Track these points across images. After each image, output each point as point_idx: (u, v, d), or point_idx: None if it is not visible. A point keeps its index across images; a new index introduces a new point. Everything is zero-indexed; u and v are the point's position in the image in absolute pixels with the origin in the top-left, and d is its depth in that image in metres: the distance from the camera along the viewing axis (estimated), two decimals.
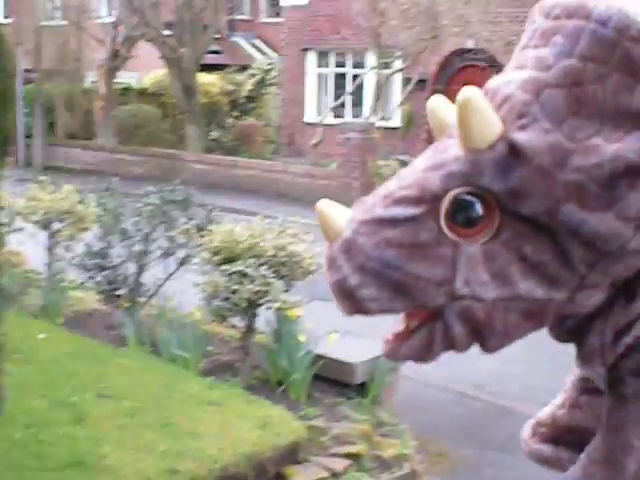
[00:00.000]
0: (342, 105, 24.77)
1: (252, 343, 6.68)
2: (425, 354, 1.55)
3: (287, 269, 6.43)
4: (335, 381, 6.63)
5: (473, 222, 1.45)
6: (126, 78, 28.04)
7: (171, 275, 7.40)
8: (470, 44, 21.04)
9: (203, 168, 21.80)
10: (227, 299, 6.31)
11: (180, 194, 7.43)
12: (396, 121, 23.36)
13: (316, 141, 21.24)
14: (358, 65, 23.18)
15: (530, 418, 6.82)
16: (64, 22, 25.99)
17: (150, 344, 7.00)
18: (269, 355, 6.55)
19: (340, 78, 25.06)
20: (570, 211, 1.44)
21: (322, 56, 25.80)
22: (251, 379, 6.57)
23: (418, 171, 1.51)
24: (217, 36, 31.04)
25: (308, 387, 6.41)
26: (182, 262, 7.21)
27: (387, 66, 21.49)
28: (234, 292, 6.23)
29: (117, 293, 7.32)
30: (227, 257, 6.38)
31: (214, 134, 25.78)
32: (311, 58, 25.89)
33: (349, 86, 23.24)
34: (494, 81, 1.53)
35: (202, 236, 6.71)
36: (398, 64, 21.49)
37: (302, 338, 6.37)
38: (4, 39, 5.71)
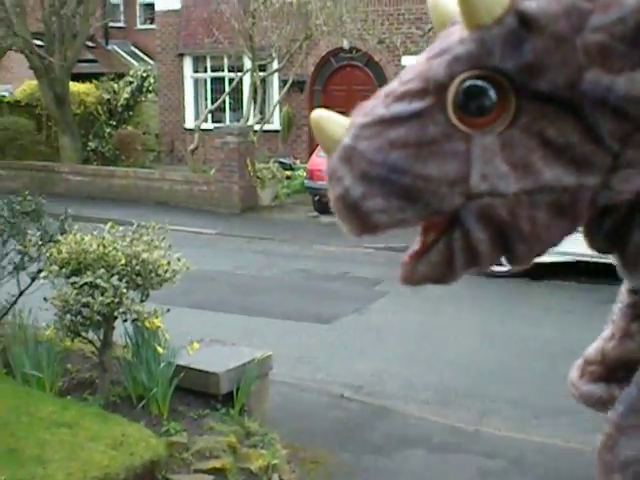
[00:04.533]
0: (222, 109, 24.44)
1: (110, 358, 6.32)
2: (445, 271, 1.37)
3: (142, 278, 6.09)
4: (200, 392, 6.32)
5: (486, 110, 1.29)
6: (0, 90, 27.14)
7: (24, 291, 6.97)
8: (345, 44, 20.99)
9: (80, 180, 21.18)
10: (79, 313, 5.95)
11: (30, 204, 7.01)
12: (276, 124, 23.16)
13: (193, 147, 20.85)
14: (236, 68, 22.84)
15: (409, 417, 6.59)
16: None
17: (4, 365, 6.58)
18: (128, 369, 6.20)
19: (218, 82, 24.70)
20: (595, 77, 1.27)
21: (198, 61, 25.40)
22: (111, 396, 6.21)
23: (421, 62, 1.34)
24: (92, 45, 30.40)
25: (170, 401, 6.08)
26: (34, 277, 6.77)
27: (263, 68, 21.24)
28: (85, 305, 5.87)
29: None
30: (76, 268, 6.01)
31: (92, 144, 25.14)
32: (187, 63, 25.47)
33: (227, 90, 22.86)
34: None
35: (42, 247, 6.32)
36: (275, 66, 21.29)
37: (160, 350, 6.04)
38: None
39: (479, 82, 1.28)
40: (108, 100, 26.33)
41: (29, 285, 6.88)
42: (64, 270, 6.06)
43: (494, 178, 1.29)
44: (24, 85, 25.48)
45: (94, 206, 19.78)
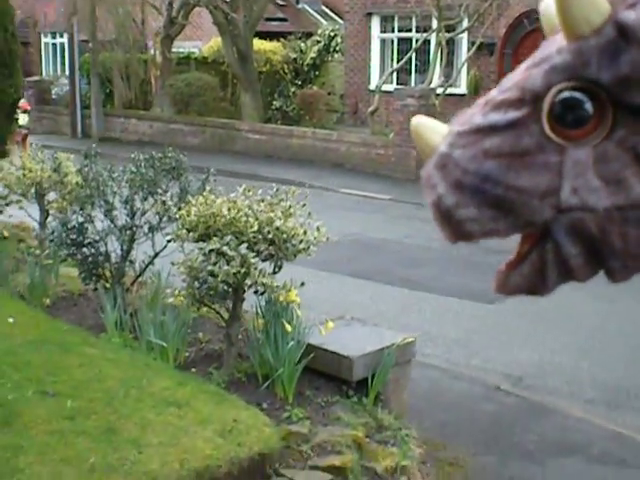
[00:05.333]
0: (408, 71, 23.71)
1: (238, 331, 5.85)
2: (537, 282, 1.37)
3: (275, 247, 5.55)
4: (332, 376, 5.75)
5: (582, 122, 1.29)
6: (189, 47, 27.43)
7: (158, 253, 6.58)
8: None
9: (259, 138, 21.04)
10: (205, 282, 5.49)
11: (171, 161, 6.59)
12: (462, 87, 22.22)
13: (372, 109, 20.22)
14: (423, 29, 21.96)
15: (570, 418, 5.65)
16: None
17: (132, 330, 6.24)
18: (255, 346, 5.70)
19: (405, 43, 23.92)
20: None
21: (386, 21, 24.70)
22: (236, 372, 5.74)
23: (520, 72, 1.36)
24: (282, 3, 30.28)
25: (298, 383, 5.54)
26: (169, 239, 6.36)
27: (452, 29, 20.31)
28: (212, 274, 5.39)
29: (98, 273, 6.53)
30: (204, 233, 5.54)
31: (277, 103, 25.00)
32: (375, 23, 24.82)
33: (411, 51, 22.06)
34: None
35: (180, 208, 5.87)
36: (464, 26, 20.32)
37: (288, 327, 5.48)
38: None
39: (576, 93, 1.28)
40: (295, 59, 26.08)
41: (164, 247, 6.48)
42: (191, 234, 5.61)
43: (585, 192, 1.29)
44: (211, 42, 25.60)
45: (271, 165, 19.59)
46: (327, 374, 5.73)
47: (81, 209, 6.36)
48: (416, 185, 12.72)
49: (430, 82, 19.60)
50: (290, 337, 5.52)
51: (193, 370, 5.82)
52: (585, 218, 1.29)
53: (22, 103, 13.76)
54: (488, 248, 10.34)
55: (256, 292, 5.67)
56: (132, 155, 6.54)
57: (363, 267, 11.24)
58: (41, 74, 32.20)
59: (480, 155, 1.28)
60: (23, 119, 17.34)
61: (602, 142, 1.28)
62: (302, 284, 5.80)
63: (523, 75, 1.31)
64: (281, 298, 5.69)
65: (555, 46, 1.30)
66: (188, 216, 5.61)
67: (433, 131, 1.33)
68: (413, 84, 23.06)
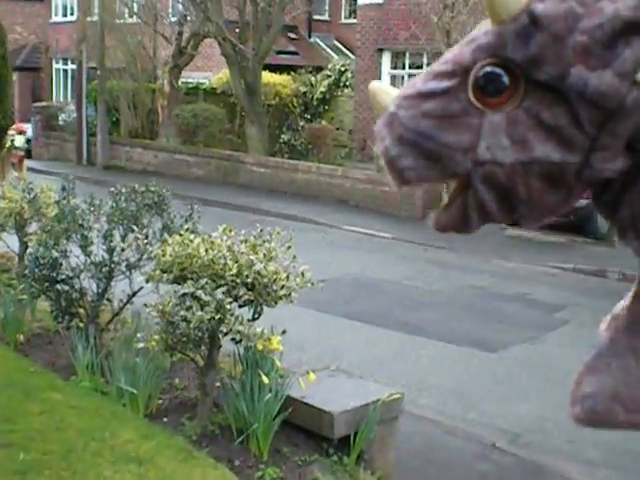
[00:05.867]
0: None
1: (214, 380, 5.47)
2: (463, 222, 1.63)
3: (254, 292, 5.19)
4: (313, 433, 5.36)
5: (500, 91, 1.54)
6: (199, 77, 27.22)
7: (136, 293, 6.22)
8: None
9: (263, 172, 20.75)
10: (178, 327, 5.11)
11: (153, 196, 6.25)
12: None
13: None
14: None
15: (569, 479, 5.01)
16: (132, 20, 25.37)
17: (104, 374, 5.87)
18: (228, 397, 5.31)
19: None
20: (578, 73, 1.51)
21: (397, 57, 24.44)
22: (210, 424, 5.35)
23: (457, 48, 1.60)
24: (294, 37, 30.11)
25: (276, 438, 5.15)
26: (148, 278, 6.00)
27: None
28: (185, 320, 5.02)
29: (71, 311, 6.17)
30: (179, 275, 5.18)
31: (285, 137, 24.73)
32: (386, 59, 24.57)
33: None
34: None
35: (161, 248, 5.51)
36: None
37: (265, 379, 5.10)
38: None
39: (496, 68, 1.54)
40: (304, 93, 25.83)
41: (141, 288, 6.12)
42: (166, 275, 5.25)
43: (496, 149, 1.55)
44: (221, 73, 25.38)
45: (275, 199, 19.26)
46: (307, 430, 5.34)
47: (55, 244, 6.01)
48: (420, 224, 12.34)
49: None
50: (267, 389, 5.15)
51: (165, 420, 5.45)
52: (495, 170, 1.54)
53: (18, 125, 13.48)
54: (491, 293, 9.93)
55: (233, 340, 5.30)
56: (111, 189, 6.20)
57: (360, 308, 10.86)
58: (51, 100, 32.07)
59: (419, 115, 1.54)
60: (19, 140, 17.08)
61: (514, 109, 1.54)
62: (283, 332, 5.42)
63: (457, 51, 1.56)
64: (260, 347, 5.32)
65: (484, 29, 1.55)
66: (163, 256, 5.26)
67: (386, 93, 1.60)
68: None
